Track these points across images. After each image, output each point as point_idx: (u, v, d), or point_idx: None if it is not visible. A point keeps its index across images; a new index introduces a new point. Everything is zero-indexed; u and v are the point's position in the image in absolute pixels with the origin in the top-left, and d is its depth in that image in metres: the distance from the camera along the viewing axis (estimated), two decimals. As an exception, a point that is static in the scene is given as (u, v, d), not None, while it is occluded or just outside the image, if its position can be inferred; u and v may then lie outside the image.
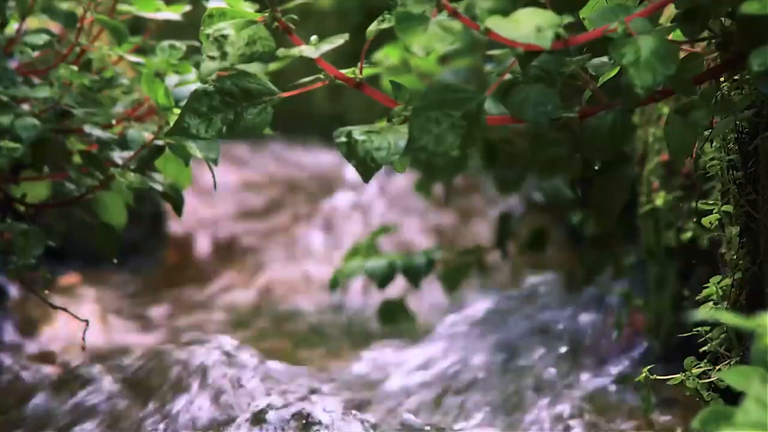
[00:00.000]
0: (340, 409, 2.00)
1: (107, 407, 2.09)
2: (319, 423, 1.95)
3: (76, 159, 2.18)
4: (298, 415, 1.97)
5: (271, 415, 1.99)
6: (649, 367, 1.83)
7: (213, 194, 3.68)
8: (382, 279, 2.66)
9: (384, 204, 3.54)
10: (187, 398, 2.09)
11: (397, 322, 2.71)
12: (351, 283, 2.87)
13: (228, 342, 2.27)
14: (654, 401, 2.01)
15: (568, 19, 1.51)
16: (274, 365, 2.25)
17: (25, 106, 2.09)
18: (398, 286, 2.75)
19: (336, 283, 2.71)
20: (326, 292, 2.83)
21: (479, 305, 2.65)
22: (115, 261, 2.16)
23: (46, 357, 2.51)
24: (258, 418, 1.99)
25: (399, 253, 2.74)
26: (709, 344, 1.78)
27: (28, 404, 2.11)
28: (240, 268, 3.28)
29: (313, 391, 2.18)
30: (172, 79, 2.08)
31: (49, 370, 2.34)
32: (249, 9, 1.71)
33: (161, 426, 2.04)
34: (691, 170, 2.17)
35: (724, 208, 1.79)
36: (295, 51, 1.63)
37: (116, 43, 2.15)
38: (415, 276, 2.68)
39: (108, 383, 2.14)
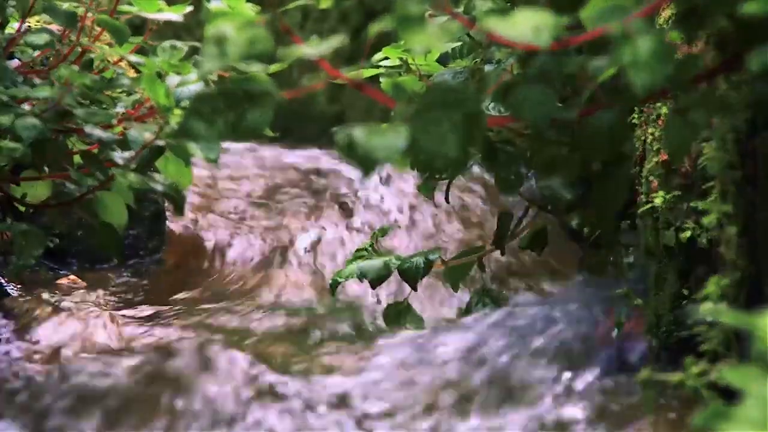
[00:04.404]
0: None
1: (103, 407, 2.09)
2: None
3: (77, 159, 2.18)
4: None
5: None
6: (648, 366, 1.83)
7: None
8: (376, 278, 2.65)
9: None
10: (185, 402, 2.09)
11: (402, 323, 2.70)
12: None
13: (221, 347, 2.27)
14: (654, 400, 2.01)
15: (566, 19, 1.52)
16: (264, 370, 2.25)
17: (26, 106, 2.10)
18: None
19: (336, 286, 2.70)
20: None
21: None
22: (117, 261, 2.16)
23: (46, 357, 2.51)
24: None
25: (396, 254, 2.74)
26: (708, 343, 1.78)
27: (25, 404, 2.11)
28: (246, 267, 3.28)
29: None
30: (172, 79, 2.09)
31: (47, 370, 2.35)
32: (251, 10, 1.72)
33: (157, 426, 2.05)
34: (690, 170, 2.17)
35: (722, 207, 1.79)
36: (296, 51, 1.64)
37: (117, 43, 2.16)
38: (412, 277, 2.68)
39: (106, 383, 2.14)
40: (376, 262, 2.66)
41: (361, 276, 2.64)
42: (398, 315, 2.69)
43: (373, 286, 2.68)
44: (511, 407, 2.17)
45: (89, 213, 2.15)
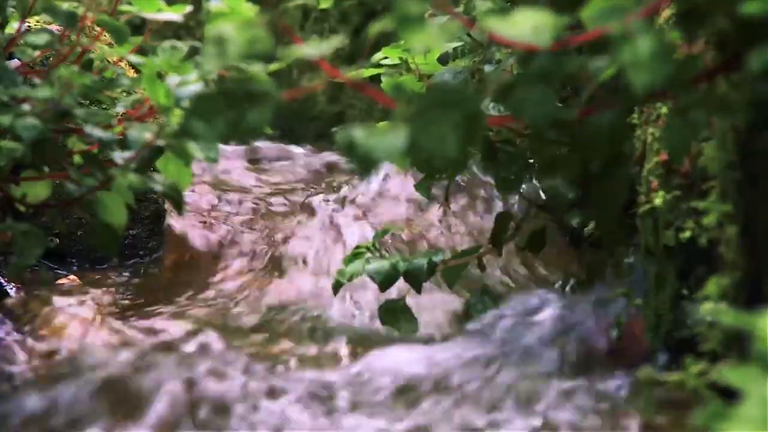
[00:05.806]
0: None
1: (102, 407, 2.09)
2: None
3: (77, 159, 2.18)
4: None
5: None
6: (648, 366, 1.83)
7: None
8: (385, 281, 2.63)
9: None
10: (185, 401, 2.10)
11: (398, 322, 2.68)
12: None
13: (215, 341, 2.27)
14: (654, 400, 2.01)
15: (566, 19, 1.52)
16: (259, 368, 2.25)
17: (26, 106, 2.10)
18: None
19: (339, 286, 2.69)
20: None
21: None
22: (116, 261, 2.17)
23: (45, 357, 2.51)
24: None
25: (402, 255, 2.72)
26: (708, 343, 1.78)
27: (25, 404, 2.11)
28: (247, 265, 3.28)
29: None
30: (172, 79, 2.09)
31: (47, 370, 2.35)
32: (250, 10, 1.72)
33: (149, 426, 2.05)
34: (689, 170, 2.17)
35: (722, 207, 1.79)
36: (296, 51, 1.64)
37: (117, 43, 2.16)
38: (416, 279, 2.66)
39: (105, 383, 2.15)
40: (383, 264, 2.64)
41: (371, 278, 2.62)
42: (394, 314, 2.67)
43: (383, 289, 2.65)
44: (512, 409, 2.17)
45: (89, 213, 2.15)
